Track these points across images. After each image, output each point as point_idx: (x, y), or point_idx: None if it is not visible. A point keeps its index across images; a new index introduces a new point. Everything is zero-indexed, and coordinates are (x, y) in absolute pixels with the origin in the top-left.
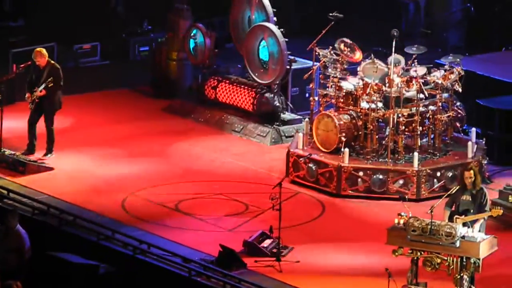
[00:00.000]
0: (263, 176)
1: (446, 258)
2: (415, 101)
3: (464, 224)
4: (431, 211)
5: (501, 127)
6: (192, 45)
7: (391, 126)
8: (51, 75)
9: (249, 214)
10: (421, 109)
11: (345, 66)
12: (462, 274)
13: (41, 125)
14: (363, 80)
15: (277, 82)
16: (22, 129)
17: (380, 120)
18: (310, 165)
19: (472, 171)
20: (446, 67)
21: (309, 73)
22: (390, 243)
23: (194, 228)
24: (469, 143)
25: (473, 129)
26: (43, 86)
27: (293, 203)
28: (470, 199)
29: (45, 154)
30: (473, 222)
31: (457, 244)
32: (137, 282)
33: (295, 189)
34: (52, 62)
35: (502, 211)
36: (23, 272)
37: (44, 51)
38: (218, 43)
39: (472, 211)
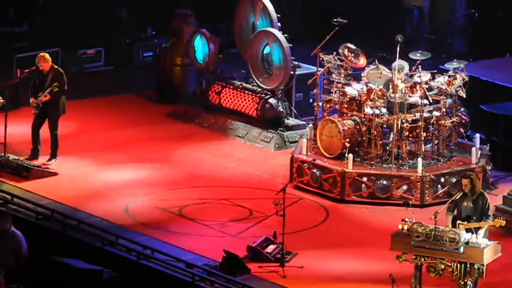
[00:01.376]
0: (267, 182)
1: (450, 264)
2: (419, 106)
3: (468, 230)
4: (435, 217)
5: (505, 133)
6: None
7: (395, 131)
8: (55, 80)
9: (253, 219)
10: (425, 114)
11: (349, 72)
12: (466, 280)
13: (45, 130)
14: (367, 85)
15: (281, 87)
16: (26, 134)
17: (384, 125)
18: (314, 170)
19: (468, 179)
20: (450, 72)
21: (313, 78)
22: (394, 249)
23: (197, 233)
24: (473, 149)
25: (477, 135)
26: (47, 91)
27: (296, 208)
28: (472, 205)
29: (49, 159)
30: (477, 228)
31: (461, 250)
32: None
33: (299, 195)
34: (56, 67)
35: (504, 222)
36: (22, 273)
37: (47, 56)
38: (222, 49)
39: (474, 218)
